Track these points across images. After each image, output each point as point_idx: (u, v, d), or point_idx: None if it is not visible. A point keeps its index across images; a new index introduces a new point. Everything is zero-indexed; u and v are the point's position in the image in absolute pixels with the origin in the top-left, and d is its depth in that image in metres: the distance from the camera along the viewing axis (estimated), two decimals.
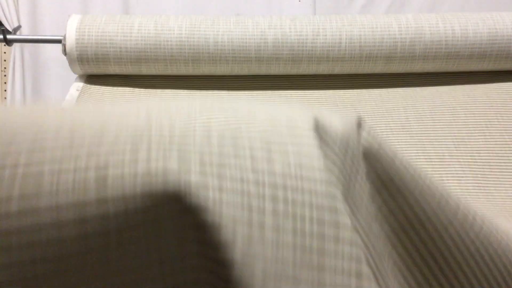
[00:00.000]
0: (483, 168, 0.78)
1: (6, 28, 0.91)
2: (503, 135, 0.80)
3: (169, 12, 1.05)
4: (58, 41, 0.85)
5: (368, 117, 0.83)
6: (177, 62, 0.82)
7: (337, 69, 0.85)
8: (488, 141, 0.80)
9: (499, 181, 0.77)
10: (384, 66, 0.84)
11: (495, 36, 0.81)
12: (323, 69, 0.84)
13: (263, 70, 0.85)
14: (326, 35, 0.81)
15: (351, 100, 0.86)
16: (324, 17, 0.84)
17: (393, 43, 0.81)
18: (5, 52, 1.05)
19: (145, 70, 0.83)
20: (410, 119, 0.82)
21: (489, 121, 0.82)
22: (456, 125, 0.82)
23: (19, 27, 0.95)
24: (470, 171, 0.77)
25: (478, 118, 0.82)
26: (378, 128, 0.82)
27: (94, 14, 0.94)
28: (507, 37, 0.81)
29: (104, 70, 0.84)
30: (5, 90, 1.03)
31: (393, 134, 0.81)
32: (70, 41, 0.80)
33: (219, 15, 0.84)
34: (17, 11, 0.99)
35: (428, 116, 0.82)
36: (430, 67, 0.85)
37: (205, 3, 1.07)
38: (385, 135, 0.81)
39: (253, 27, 0.81)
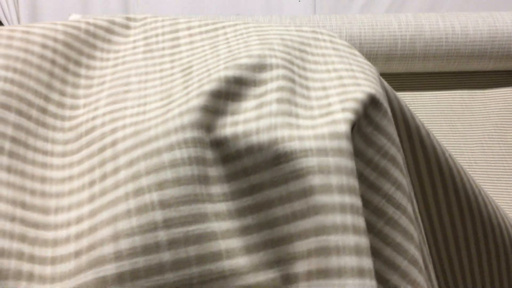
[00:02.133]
0: (481, 176, 0.81)
1: None
2: (501, 146, 0.83)
3: (169, 12, 1.05)
4: None
5: None
6: None
7: None
8: (486, 152, 0.82)
9: (497, 189, 0.80)
10: (384, 65, 0.84)
11: (495, 33, 0.81)
12: None
13: None
14: None
15: None
16: (324, 15, 0.84)
17: (393, 40, 0.81)
18: None
19: None
20: None
21: (487, 133, 0.84)
22: (453, 136, 0.84)
23: None
24: None
25: (476, 129, 0.85)
26: None
27: (94, 14, 0.94)
28: (507, 34, 0.81)
29: None
30: None
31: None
32: None
33: (219, 15, 0.84)
34: (17, 11, 0.99)
35: (426, 126, 0.84)
36: (431, 65, 0.84)
37: (204, 3, 1.07)
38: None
39: None
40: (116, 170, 0.30)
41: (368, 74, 0.35)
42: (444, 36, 0.81)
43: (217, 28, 0.41)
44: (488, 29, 0.81)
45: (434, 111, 0.87)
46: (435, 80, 0.92)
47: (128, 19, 0.43)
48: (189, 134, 0.30)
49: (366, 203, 0.31)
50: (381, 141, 0.32)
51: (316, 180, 0.28)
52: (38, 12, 1.04)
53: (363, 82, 0.33)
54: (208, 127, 0.31)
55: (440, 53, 0.82)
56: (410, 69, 0.86)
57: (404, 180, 0.33)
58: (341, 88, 0.33)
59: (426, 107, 0.87)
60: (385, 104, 0.33)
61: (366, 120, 0.32)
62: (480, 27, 0.81)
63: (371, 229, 0.31)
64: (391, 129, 0.33)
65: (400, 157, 0.33)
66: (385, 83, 0.37)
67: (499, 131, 0.85)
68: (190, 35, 0.41)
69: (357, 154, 0.31)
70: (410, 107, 0.87)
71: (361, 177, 0.31)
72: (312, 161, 0.28)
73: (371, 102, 0.32)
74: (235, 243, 0.29)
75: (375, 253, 0.30)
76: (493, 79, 0.90)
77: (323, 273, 0.26)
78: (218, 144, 0.30)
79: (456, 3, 1.08)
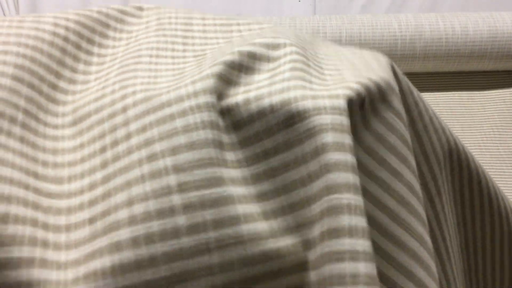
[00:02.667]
0: None
1: None
2: (499, 148, 0.83)
3: None
4: None
5: None
6: None
7: None
8: (484, 154, 0.82)
9: None
10: None
11: (495, 34, 0.81)
12: None
13: None
14: (325, 33, 0.81)
15: None
16: (324, 16, 0.84)
17: (393, 41, 0.81)
18: None
19: None
20: None
21: (485, 135, 0.84)
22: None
23: None
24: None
25: (474, 131, 0.84)
26: None
27: None
28: (507, 35, 0.81)
29: None
30: None
31: None
32: None
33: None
34: (17, 11, 0.99)
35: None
36: (431, 65, 0.84)
37: (204, 3, 1.07)
38: None
39: None
40: (128, 136, 0.30)
41: (381, 61, 0.35)
42: (444, 37, 0.81)
43: (231, 24, 0.41)
44: (488, 29, 0.81)
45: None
46: (435, 80, 0.92)
47: (141, 5, 0.43)
48: (202, 100, 0.30)
49: (390, 190, 0.30)
50: (401, 128, 0.31)
51: (329, 137, 0.27)
52: (38, 12, 1.04)
53: (377, 68, 0.33)
54: (220, 95, 0.30)
55: (440, 54, 0.82)
56: (410, 69, 0.86)
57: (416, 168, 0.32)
58: (354, 70, 0.33)
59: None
60: (399, 93, 0.33)
61: (384, 105, 0.31)
62: (480, 27, 0.81)
63: (394, 218, 0.30)
64: (406, 118, 0.32)
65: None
66: (400, 75, 0.37)
67: (497, 133, 0.85)
68: (204, 25, 0.41)
69: (379, 138, 0.30)
70: None
71: (385, 163, 0.30)
72: (325, 119, 0.27)
73: (388, 87, 0.31)
74: (252, 208, 0.28)
75: (386, 233, 0.30)
76: (492, 79, 0.90)
77: (334, 233, 0.26)
78: (230, 110, 0.30)
79: (456, 3, 1.08)
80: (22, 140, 0.30)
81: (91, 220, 0.28)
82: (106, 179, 0.29)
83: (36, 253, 0.26)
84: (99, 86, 0.34)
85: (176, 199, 0.27)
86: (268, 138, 0.29)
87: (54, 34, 0.36)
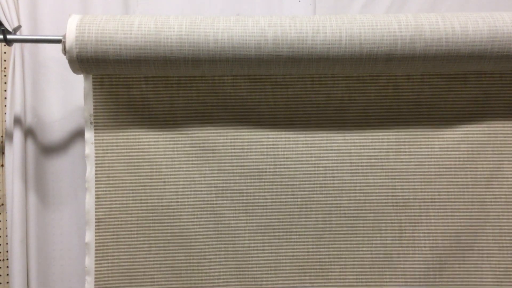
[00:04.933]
0: (438, 214, 0.90)
1: (6, 28, 0.91)
2: (467, 177, 0.91)
3: (169, 12, 1.05)
4: (58, 41, 0.84)
5: (354, 147, 0.92)
6: (177, 61, 0.82)
7: (337, 69, 0.85)
8: (452, 182, 0.91)
9: (447, 230, 0.90)
10: (384, 65, 0.84)
11: (495, 33, 0.81)
12: (323, 68, 0.84)
13: (263, 69, 0.84)
14: (326, 33, 0.80)
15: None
16: (324, 15, 0.84)
17: (393, 41, 0.81)
18: (5, 52, 1.05)
19: (144, 69, 0.83)
20: (389, 153, 0.92)
21: (459, 160, 0.91)
22: (429, 161, 0.91)
23: (19, 27, 0.94)
24: (426, 217, 0.91)
25: (452, 153, 0.91)
26: (360, 161, 0.91)
27: (94, 14, 0.94)
28: (507, 34, 0.81)
29: (104, 70, 0.84)
30: (5, 90, 1.03)
31: (372, 171, 0.91)
32: (70, 40, 0.80)
33: (219, 15, 0.84)
34: (17, 11, 0.98)
35: (407, 149, 0.92)
36: (431, 65, 0.84)
37: (205, 3, 1.07)
38: (364, 173, 0.91)
39: (253, 25, 0.81)
40: None
41: None
42: (444, 37, 0.81)
43: None
44: (488, 29, 0.81)
45: (420, 126, 0.92)
46: (435, 81, 0.92)
47: None
48: None
49: None
50: None
51: None
52: (38, 12, 1.03)
53: None
54: None
55: (440, 54, 0.82)
56: (410, 70, 0.86)
57: None
58: None
59: (413, 123, 0.92)
60: None
61: None
62: (480, 27, 0.81)
63: None
64: None
65: None
66: None
67: (471, 158, 0.91)
68: None
69: None
70: (406, 115, 0.91)
71: None
72: None
73: None
74: None
75: None
76: (483, 85, 0.92)
77: None
78: None
79: (456, 3, 1.08)
80: None
81: None
82: None
83: None
84: None
85: None
86: None
87: None
